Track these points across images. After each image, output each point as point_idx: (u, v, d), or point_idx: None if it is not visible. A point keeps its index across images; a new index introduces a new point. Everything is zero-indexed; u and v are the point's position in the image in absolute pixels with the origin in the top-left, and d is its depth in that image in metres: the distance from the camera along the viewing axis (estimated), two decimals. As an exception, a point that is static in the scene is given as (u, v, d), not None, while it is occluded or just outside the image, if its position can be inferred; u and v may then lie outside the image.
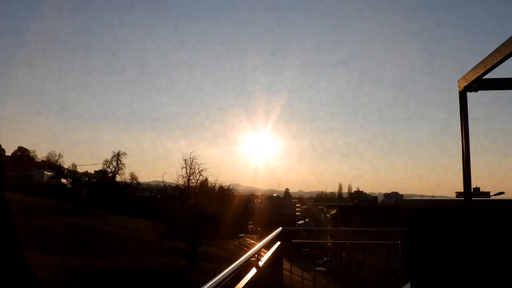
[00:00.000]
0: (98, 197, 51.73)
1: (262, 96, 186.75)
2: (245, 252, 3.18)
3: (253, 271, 3.05)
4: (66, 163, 78.90)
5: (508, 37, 1.63)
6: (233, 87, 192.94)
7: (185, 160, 25.70)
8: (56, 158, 73.71)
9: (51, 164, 72.04)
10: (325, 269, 25.09)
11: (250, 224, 75.18)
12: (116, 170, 57.35)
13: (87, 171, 75.22)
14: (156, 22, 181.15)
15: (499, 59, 1.74)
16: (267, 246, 4.07)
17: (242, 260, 2.74)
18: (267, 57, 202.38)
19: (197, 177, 26.04)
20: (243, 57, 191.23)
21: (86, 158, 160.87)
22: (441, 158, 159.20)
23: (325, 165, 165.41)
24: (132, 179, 60.11)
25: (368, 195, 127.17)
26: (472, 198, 2.31)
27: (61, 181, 62.86)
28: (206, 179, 26.41)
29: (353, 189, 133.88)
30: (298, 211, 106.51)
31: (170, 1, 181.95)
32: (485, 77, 1.98)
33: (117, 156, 57.20)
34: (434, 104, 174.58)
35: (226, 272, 2.31)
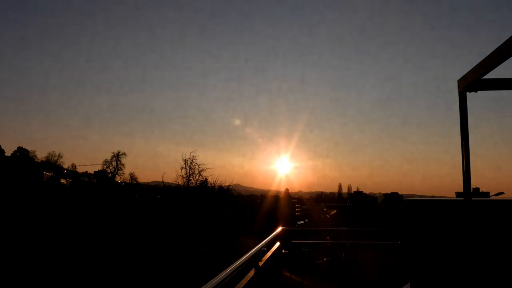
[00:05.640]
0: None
1: (262, 99, 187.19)
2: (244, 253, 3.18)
3: (253, 271, 3.05)
4: (66, 164, 78.84)
5: (508, 37, 1.63)
6: (232, 90, 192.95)
7: (185, 160, 25.73)
8: (56, 158, 73.71)
9: (51, 165, 72.01)
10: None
11: (250, 225, 75.07)
12: (116, 170, 57.41)
13: (86, 171, 75.17)
14: (162, 22, 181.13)
15: (499, 59, 1.74)
16: (267, 247, 4.07)
17: (242, 260, 2.74)
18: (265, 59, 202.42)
19: (197, 177, 26.08)
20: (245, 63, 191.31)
21: (86, 159, 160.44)
22: (441, 158, 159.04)
23: (325, 165, 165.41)
24: (131, 180, 60.11)
25: (368, 195, 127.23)
26: (472, 199, 2.31)
27: (60, 181, 62.86)
28: (206, 179, 26.43)
29: (353, 189, 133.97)
30: (298, 211, 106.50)
31: (181, 2, 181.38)
32: (485, 77, 1.98)
33: (117, 156, 57.26)
34: (434, 104, 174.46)
35: (226, 273, 2.31)
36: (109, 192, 52.86)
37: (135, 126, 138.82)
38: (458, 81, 2.22)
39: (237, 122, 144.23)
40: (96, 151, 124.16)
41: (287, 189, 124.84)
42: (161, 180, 28.17)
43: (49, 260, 19.60)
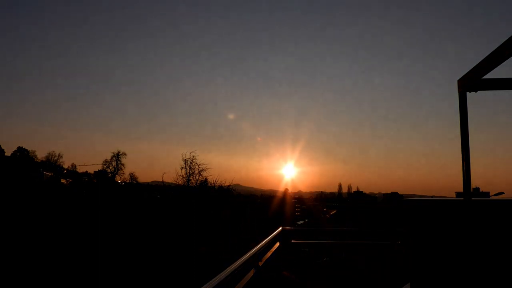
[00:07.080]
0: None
1: (263, 99, 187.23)
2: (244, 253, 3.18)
3: (253, 271, 3.05)
4: (66, 164, 78.82)
5: (508, 37, 1.63)
6: (233, 90, 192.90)
7: (185, 160, 25.73)
8: (56, 158, 73.74)
9: (51, 165, 72.00)
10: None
11: (250, 224, 75.04)
12: (116, 170, 57.46)
13: (86, 171, 75.15)
14: (161, 22, 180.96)
15: (499, 59, 1.74)
16: (267, 247, 4.07)
17: (242, 260, 2.74)
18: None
19: (197, 177, 26.08)
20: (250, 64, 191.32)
21: (86, 159, 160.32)
22: (441, 158, 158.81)
23: (325, 165, 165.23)
24: (131, 180, 60.18)
25: (368, 195, 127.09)
26: (472, 199, 2.31)
27: (60, 181, 62.85)
28: (206, 179, 26.44)
29: (353, 189, 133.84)
30: (297, 211, 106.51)
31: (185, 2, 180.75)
32: (485, 77, 1.98)
33: (117, 156, 57.33)
34: (434, 104, 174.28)
35: (226, 273, 2.31)
36: (109, 192, 52.88)
37: (135, 126, 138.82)
38: (458, 81, 2.22)
39: (231, 117, 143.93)
40: (96, 151, 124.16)
41: (287, 189, 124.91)
42: (161, 180, 28.20)
43: (49, 260, 19.60)
